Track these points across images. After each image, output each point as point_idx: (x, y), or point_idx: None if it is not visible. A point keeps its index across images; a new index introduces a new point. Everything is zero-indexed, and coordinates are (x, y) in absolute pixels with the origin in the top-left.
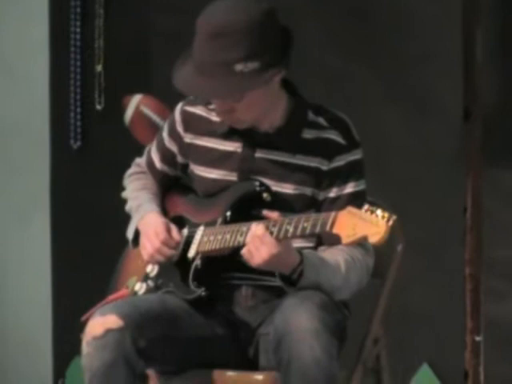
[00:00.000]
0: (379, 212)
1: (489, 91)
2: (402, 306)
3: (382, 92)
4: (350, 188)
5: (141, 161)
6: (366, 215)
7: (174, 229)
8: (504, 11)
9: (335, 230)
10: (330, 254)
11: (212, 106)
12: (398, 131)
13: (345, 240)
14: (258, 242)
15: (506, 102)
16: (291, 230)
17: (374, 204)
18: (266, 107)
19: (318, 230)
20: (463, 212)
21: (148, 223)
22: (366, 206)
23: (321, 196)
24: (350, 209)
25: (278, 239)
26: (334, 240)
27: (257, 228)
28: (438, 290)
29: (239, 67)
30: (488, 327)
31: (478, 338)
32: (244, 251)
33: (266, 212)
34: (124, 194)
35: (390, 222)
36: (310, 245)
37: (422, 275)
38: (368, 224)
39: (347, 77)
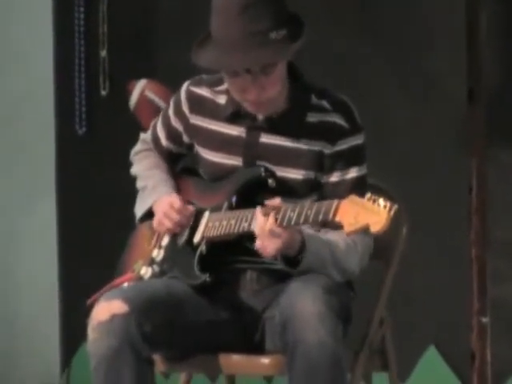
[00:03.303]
0: (381, 201)
1: (492, 73)
2: (408, 288)
3: (386, 74)
4: (352, 173)
5: (146, 137)
6: (367, 204)
7: (188, 205)
8: None
9: (338, 219)
10: (332, 236)
11: (219, 88)
12: (402, 113)
13: (347, 228)
14: (265, 237)
15: (510, 83)
16: (294, 217)
17: (378, 187)
18: (282, 86)
19: (320, 218)
20: (468, 193)
21: (163, 202)
22: (369, 195)
23: (323, 179)
24: (353, 197)
25: (281, 226)
26: (336, 225)
27: (263, 221)
28: (443, 271)
29: (273, 35)
30: (494, 308)
31: (484, 320)
32: (256, 245)
33: (268, 202)
34: (134, 171)
35: (392, 212)
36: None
37: (427, 257)
38: (370, 213)
39: (352, 60)
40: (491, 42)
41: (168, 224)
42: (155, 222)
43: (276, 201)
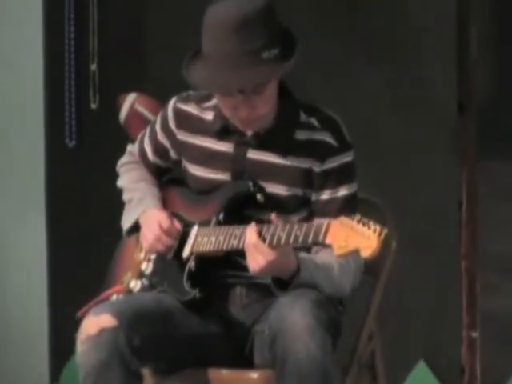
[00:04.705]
0: (371, 224)
1: (483, 85)
2: (398, 302)
3: (377, 86)
4: (342, 191)
5: (133, 149)
6: (357, 227)
7: (175, 220)
8: (498, 5)
9: (327, 241)
10: (324, 257)
11: (207, 104)
12: (392, 125)
13: (337, 251)
14: (253, 251)
15: (500, 96)
16: (284, 237)
17: (369, 201)
18: (272, 104)
19: (310, 239)
20: (458, 206)
21: (150, 216)
22: (358, 217)
23: (313, 197)
24: (343, 219)
25: (271, 246)
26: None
27: (251, 236)
28: (433, 285)
29: (265, 54)
30: (484, 322)
31: (474, 334)
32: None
33: (273, 216)
34: (120, 184)
35: (382, 236)
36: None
37: (417, 270)
38: (360, 236)
39: (342, 71)
40: (483, 53)
41: (160, 248)
42: (145, 243)
43: (278, 220)
